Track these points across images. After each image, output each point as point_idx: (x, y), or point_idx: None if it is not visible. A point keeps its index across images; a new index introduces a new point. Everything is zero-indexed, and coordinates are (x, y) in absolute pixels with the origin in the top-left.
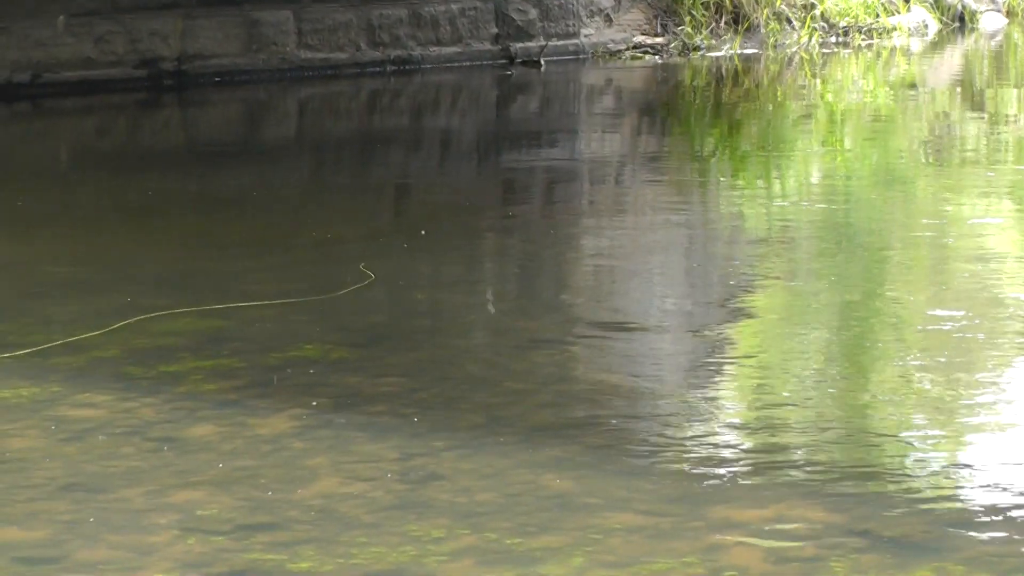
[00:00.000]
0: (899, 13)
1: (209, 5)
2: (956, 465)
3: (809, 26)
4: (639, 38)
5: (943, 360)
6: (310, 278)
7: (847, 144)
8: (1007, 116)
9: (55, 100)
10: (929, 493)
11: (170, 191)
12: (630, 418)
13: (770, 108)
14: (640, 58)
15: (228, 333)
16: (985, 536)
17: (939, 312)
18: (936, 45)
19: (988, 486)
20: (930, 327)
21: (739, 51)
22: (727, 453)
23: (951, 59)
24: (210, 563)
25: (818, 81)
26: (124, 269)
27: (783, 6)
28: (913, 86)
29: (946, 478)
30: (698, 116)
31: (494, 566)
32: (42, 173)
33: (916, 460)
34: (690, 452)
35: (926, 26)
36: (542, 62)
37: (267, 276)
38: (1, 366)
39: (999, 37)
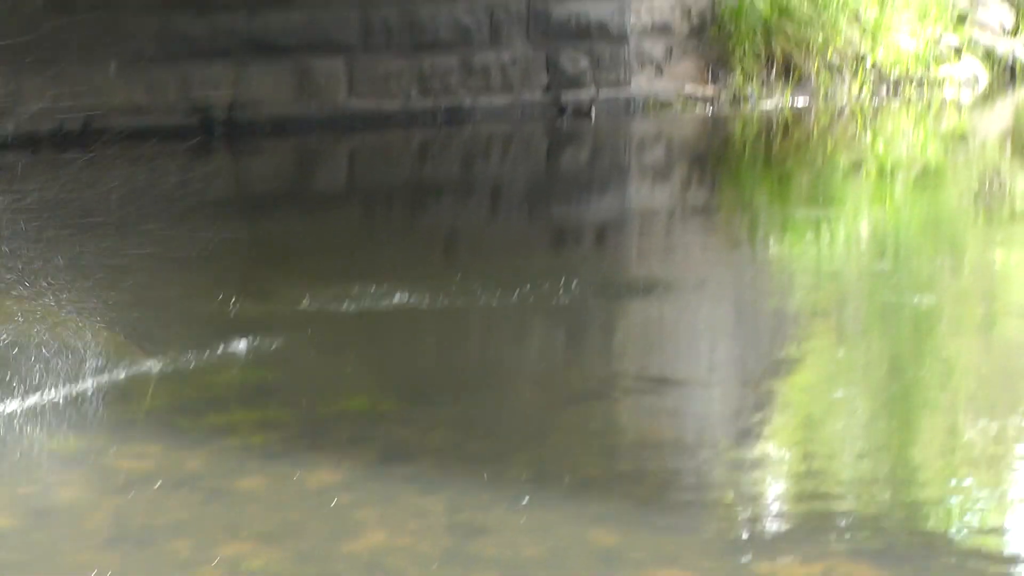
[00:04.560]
0: (950, 64)
1: (261, 53)
2: (1004, 523)
3: (860, 77)
4: (690, 89)
5: (992, 416)
6: (357, 327)
7: (897, 197)
8: None
9: (106, 147)
10: (977, 552)
11: (221, 239)
12: (677, 473)
13: (821, 161)
14: (691, 109)
15: (276, 384)
16: None
17: (987, 367)
18: (987, 97)
19: None
20: (979, 382)
21: (790, 102)
22: (774, 508)
23: (1002, 111)
24: None
25: (869, 133)
26: (175, 315)
27: (834, 57)
28: (964, 138)
29: (994, 537)
30: (748, 168)
31: None
32: (94, 221)
33: (964, 518)
34: (737, 507)
35: (977, 78)
36: (593, 112)
37: (318, 322)
38: (50, 417)
39: None
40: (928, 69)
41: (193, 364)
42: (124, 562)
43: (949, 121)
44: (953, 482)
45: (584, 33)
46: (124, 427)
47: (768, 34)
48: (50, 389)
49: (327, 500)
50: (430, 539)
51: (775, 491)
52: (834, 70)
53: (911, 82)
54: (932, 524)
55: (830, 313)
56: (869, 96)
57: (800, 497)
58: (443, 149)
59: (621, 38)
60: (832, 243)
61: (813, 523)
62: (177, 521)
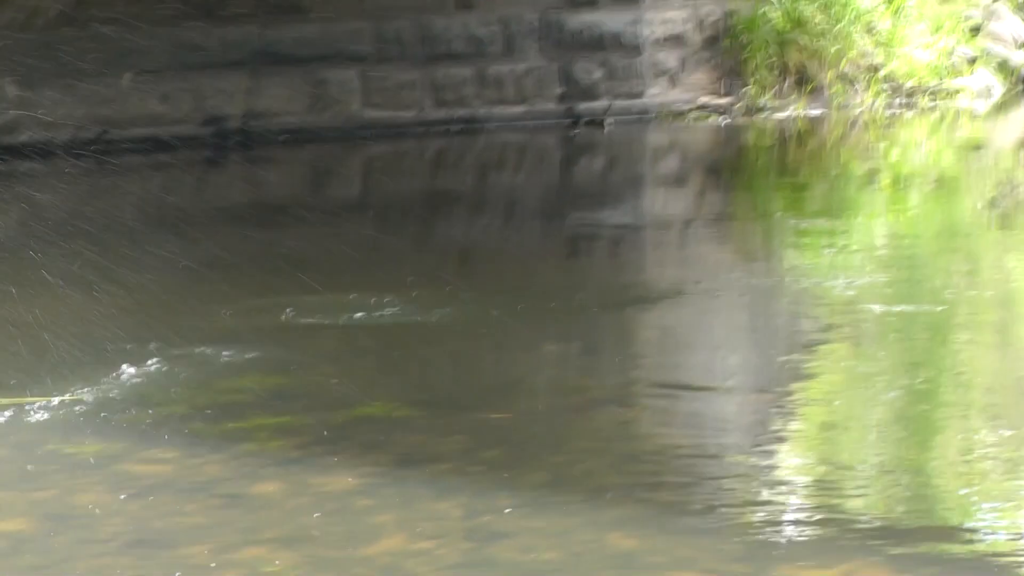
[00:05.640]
0: (964, 75)
1: (275, 64)
2: (1022, 527)
3: (874, 88)
4: (704, 99)
5: (1010, 421)
6: (372, 335)
7: (912, 206)
8: None
9: (121, 156)
10: (996, 555)
11: (234, 248)
12: (694, 478)
13: (835, 170)
14: (705, 119)
15: (292, 391)
16: None
17: (1004, 374)
18: (1001, 107)
19: None
20: (996, 388)
21: (804, 112)
22: (792, 513)
23: (1016, 121)
24: None
25: (883, 143)
26: (189, 322)
27: (848, 68)
28: (978, 148)
29: (1013, 540)
30: (763, 178)
31: None
32: (110, 231)
33: (982, 522)
34: (755, 511)
35: (991, 89)
36: (607, 122)
37: (334, 330)
38: (67, 422)
39: None
40: (942, 80)
41: (208, 371)
42: (141, 567)
43: (963, 131)
44: (972, 487)
45: (598, 44)
46: (141, 432)
47: (782, 45)
48: (65, 393)
49: (344, 505)
50: (447, 544)
51: (793, 496)
52: (848, 81)
53: (925, 93)
54: (951, 529)
55: (846, 321)
56: (883, 107)
57: (818, 502)
58: (457, 159)
59: (635, 49)
60: (847, 252)
61: (831, 528)
62: (195, 526)
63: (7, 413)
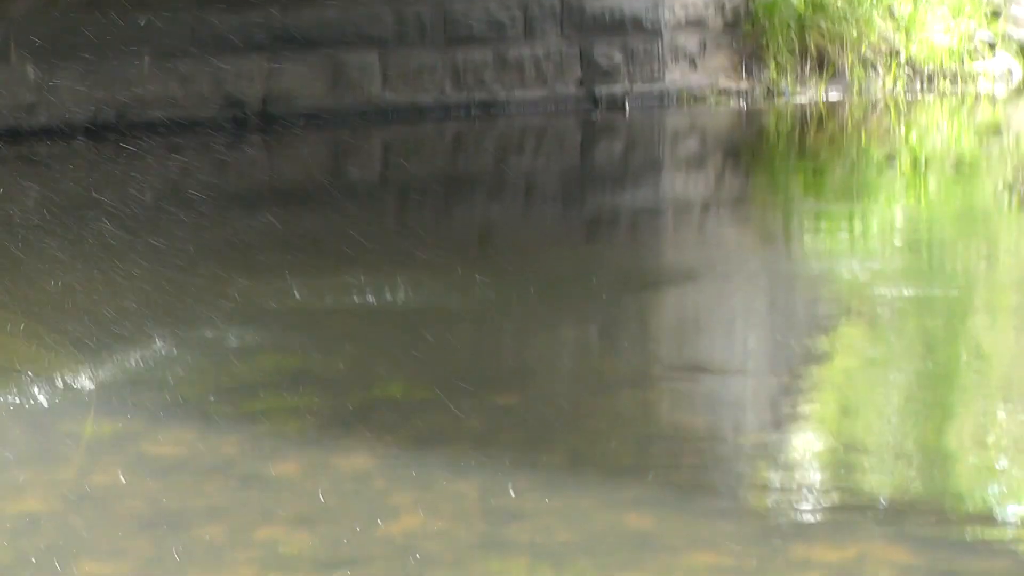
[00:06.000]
0: (984, 59)
1: (294, 47)
2: None
3: (894, 72)
4: (724, 83)
5: None
6: (390, 317)
7: (931, 189)
8: None
9: (140, 139)
10: (1012, 535)
11: (251, 231)
12: (711, 459)
13: (855, 153)
14: (725, 102)
15: (310, 371)
16: None
17: (1021, 356)
18: (1021, 91)
19: None
20: (1014, 370)
21: (824, 96)
22: (808, 494)
23: None
24: None
25: (903, 126)
26: (208, 303)
27: (868, 52)
28: (998, 131)
29: None
30: (782, 161)
31: None
32: (128, 213)
33: (998, 501)
34: (772, 492)
35: (1011, 72)
36: (627, 106)
37: (352, 312)
38: (83, 402)
39: None
40: (962, 64)
41: (225, 352)
42: (159, 547)
43: (983, 115)
44: (989, 468)
45: (618, 27)
46: (158, 412)
47: (802, 28)
48: (81, 373)
49: (362, 485)
50: (465, 524)
51: (810, 477)
52: (868, 64)
53: (945, 76)
54: (968, 509)
55: (864, 303)
56: (903, 90)
57: (835, 482)
58: (477, 142)
59: (655, 32)
60: (866, 235)
61: (848, 508)
62: (212, 506)
63: (23, 393)
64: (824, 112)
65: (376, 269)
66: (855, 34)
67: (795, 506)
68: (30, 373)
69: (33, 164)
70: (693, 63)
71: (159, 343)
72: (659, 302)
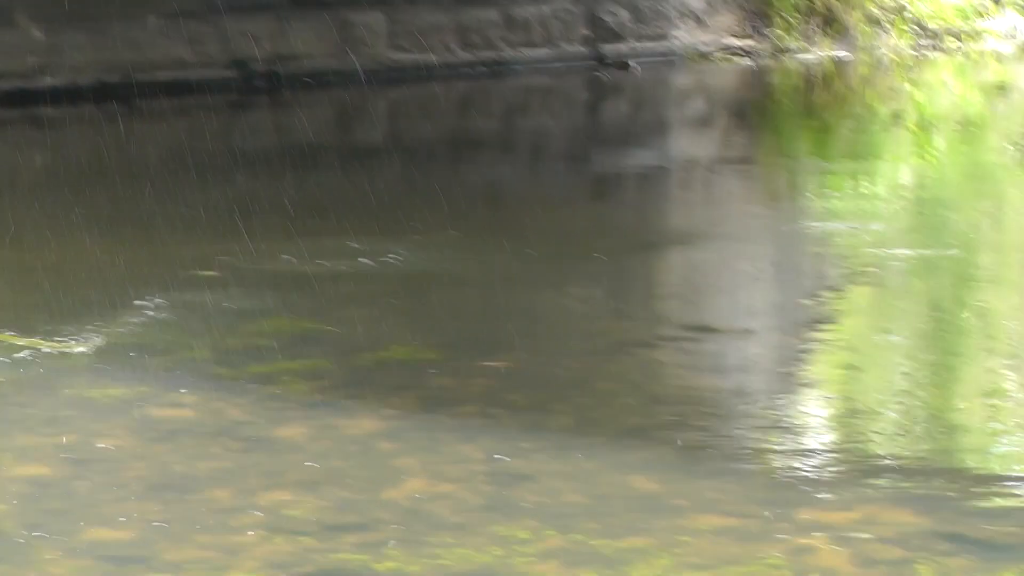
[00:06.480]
0: (990, 17)
1: (301, 7)
2: None
3: (900, 29)
4: (729, 40)
5: None
6: (397, 279)
7: (938, 149)
8: None
9: (147, 101)
10: (1018, 496)
11: (256, 193)
12: (718, 421)
13: (861, 112)
14: (730, 60)
15: (317, 334)
16: None
17: None
18: None
19: None
20: (1020, 331)
21: (830, 54)
22: (814, 456)
23: None
24: (297, 563)
25: (909, 85)
26: (214, 266)
27: (874, 9)
28: (1004, 89)
29: None
30: (789, 120)
31: (581, 567)
32: (134, 174)
33: (1004, 463)
34: (777, 455)
35: (1016, 30)
36: (632, 64)
37: (358, 274)
38: (90, 366)
39: None
40: (968, 21)
41: (229, 315)
42: (165, 510)
43: (989, 72)
44: (996, 431)
45: None
46: (163, 377)
47: None
48: (85, 337)
49: (368, 448)
50: (471, 487)
51: (816, 439)
52: (874, 22)
53: (951, 34)
54: (974, 470)
55: (870, 264)
56: (909, 48)
57: (841, 444)
58: (484, 102)
59: None
60: (872, 195)
61: (855, 470)
62: (218, 470)
63: (27, 357)
64: (831, 70)
65: (382, 231)
66: None
67: (801, 468)
68: (33, 338)
69: (39, 127)
70: (699, 20)
71: (163, 306)
72: (665, 263)
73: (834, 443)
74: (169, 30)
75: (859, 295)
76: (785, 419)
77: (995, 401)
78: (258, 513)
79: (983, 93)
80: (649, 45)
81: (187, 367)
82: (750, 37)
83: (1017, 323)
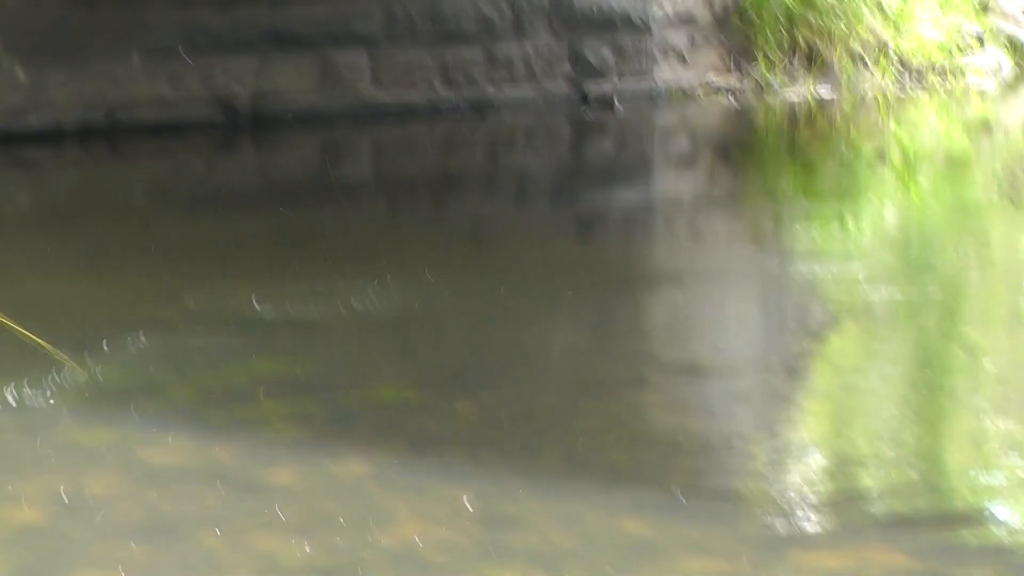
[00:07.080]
0: (974, 53)
1: (284, 45)
2: None
3: (883, 66)
4: (713, 78)
5: (1022, 405)
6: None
7: (922, 187)
8: None
9: (129, 139)
10: (1009, 541)
11: (241, 233)
12: (707, 462)
13: (845, 149)
14: (714, 98)
15: (302, 376)
16: None
17: (1018, 356)
18: (1012, 86)
19: None
20: (1008, 372)
21: (813, 91)
22: (806, 499)
23: None
24: None
25: (892, 122)
26: (198, 307)
27: (857, 46)
28: (988, 127)
29: None
30: (773, 157)
31: None
32: (119, 214)
33: (996, 507)
34: (768, 496)
35: (1000, 66)
36: (616, 102)
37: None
38: (74, 407)
39: None
40: (951, 58)
41: (215, 355)
42: (155, 556)
43: (973, 109)
44: (987, 473)
45: (607, 23)
46: (151, 418)
47: (791, 23)
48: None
49: (358, 491)
50: (462, 530)
51: (807, 481)
52: (857, 59)
53: (934, 71)
54: (968, 516)
55: (857, 304)
56: (892, 85)
57: (832, 487)
58: (467, 140)
59: (644, 28)
60: (858, 233)
61: (846, 514)
62: (208, 513)
63: (13, 397)
64: (814, 107)
65: (366, 270)
66: (844, 28)
67: (793, 511)
68: (17, 379)
69: (24, 168)
70: (682, 59)
71: (149, 348)
72: (651, 302)
73: (825, 486)
74: (152, 69)
75: (846, 334)
76: (775, 461)
77: (988, 443)
78: (249, 558)
79: (967, 130)
80: (633, 84)
81: (173, 409)
82: (733, 75)
83: (1004, 363)
